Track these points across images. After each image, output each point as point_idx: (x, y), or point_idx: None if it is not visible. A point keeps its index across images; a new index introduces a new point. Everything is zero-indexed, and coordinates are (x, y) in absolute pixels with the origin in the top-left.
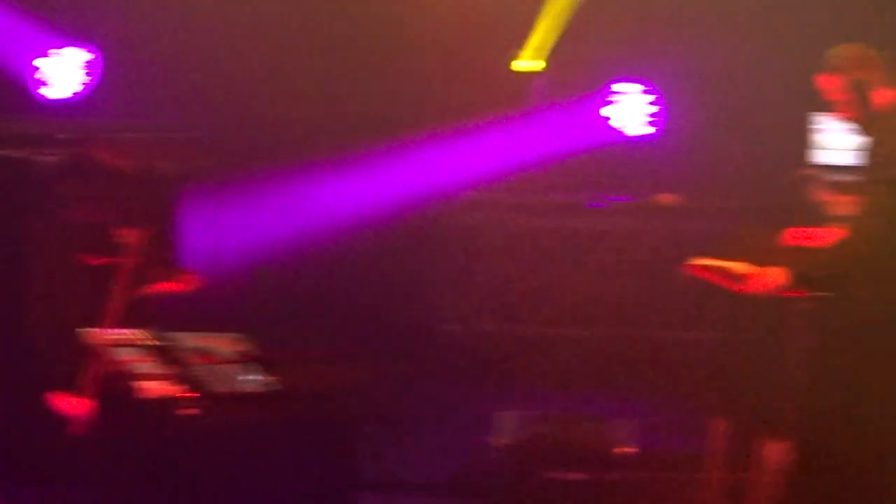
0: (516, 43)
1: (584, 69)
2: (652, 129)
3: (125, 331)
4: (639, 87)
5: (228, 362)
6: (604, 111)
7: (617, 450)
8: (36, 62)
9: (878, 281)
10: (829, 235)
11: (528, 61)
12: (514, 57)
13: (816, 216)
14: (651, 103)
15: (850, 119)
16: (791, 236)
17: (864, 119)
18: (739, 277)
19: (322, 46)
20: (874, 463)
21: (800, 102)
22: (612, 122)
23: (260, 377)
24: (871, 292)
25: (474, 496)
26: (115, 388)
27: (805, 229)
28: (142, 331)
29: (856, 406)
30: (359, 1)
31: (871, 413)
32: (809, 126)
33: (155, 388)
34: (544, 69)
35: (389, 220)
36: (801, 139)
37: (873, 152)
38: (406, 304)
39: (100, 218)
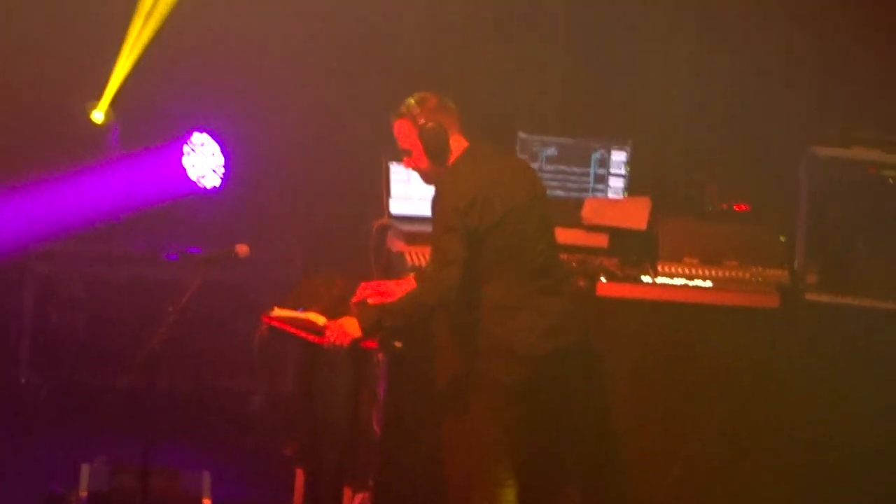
0: (92, 93)
1: (160, 119)
2: (223, 180)
3: None
4: (212, 138)
5: None
6: (179, 161)
7: (196, 500)
8: None
9: (450, 330)
10: (404, 286)
11: (103, 112)
12: (91, 107)
13: (392, 266)
14: (225, 154)
15: (419, 168)
16: (367, 287)
17: (432, 168)
18: (317, 328)
19: None
20: None
21: (375, 150)
22: (189, 173)
23: None
24: (444, 340)
25: None
26: None
27: (380, 280)
28: None
29: (425, 455)
30: None
31: (441, 461)
32: (385, 175)
33: None
34: (120, 119)
35: None
36: (377, 188)
37: (440, 201)
38: None
39: None
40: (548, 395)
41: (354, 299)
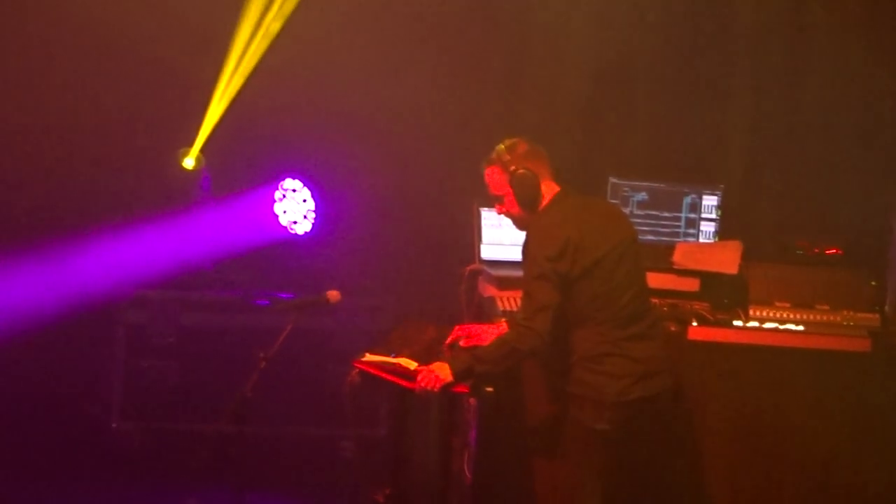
0: (184, 140)
1: (251, 165)
2: (315, 226)
3: None
4: (303, 184)
5: None
6: (271, 207)
7: None
8: None
9: (541, 375)
10: (497, 329)
11: (194, 158)
12: (183, 154)
13: (483, 311)
14: (317, 200)
15: (510, 214)
16: (454, 335)
17: (523, 214)
18: (408, 373)
19: None
20: None
21: (466, 196)
22: (280, 219)
23: None
24: (535, 386)
25: None
26: None
27: (471, 325)
28: None
29: (517, 501)
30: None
31: None
32: (476, 220)
33: None
34: (211, 166)
35: (59, 314)
36: (468, 234)
37: (531, 248)
38: (76, 401)
39: None
40: (639, 440)
41: (448, 341)
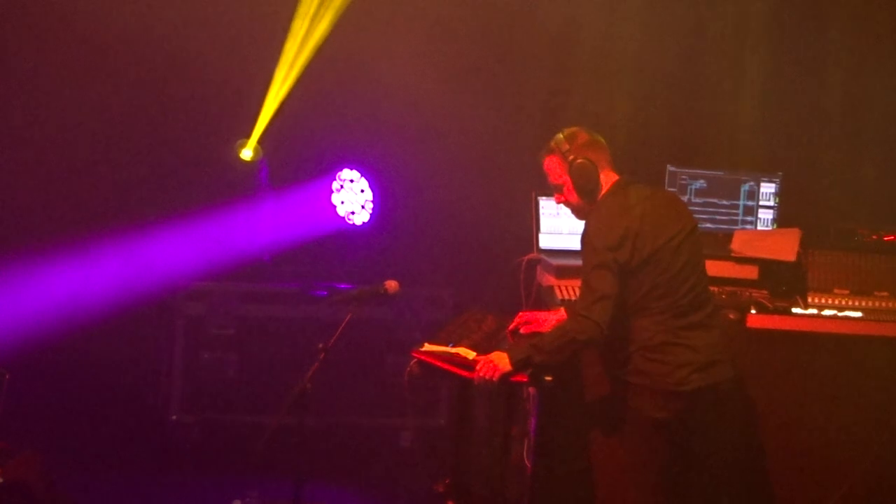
0: (241, 132)
1: (309, 156)
2: (372, 217)
3: None
4: (361, 174)
5: None
6: (329, 198)
7: None
8: None
9: (601, 364)
10: (556, 318)
11: (252, 149)
12: (240, 145)
13: (542, 300)
14: (374, 190)
15: (569, 203)
16: (517, 321)
17: (583, 203)
18: (467, 363)
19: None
20: None
21: (525, 185)
22: (338, 210)
23: None
24: (595, 375)
25: None
26: None
27: (531, 314)
28: None
29: (577, 491)
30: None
31: (593, 496)
32: (534, 209)
33: None
34: (269, 157)
35: (118, 307)
36: (526, 223)
37: (590, 237)
38: (135, 393)
39: None
40: (700, 429)
41: (510, 327)
